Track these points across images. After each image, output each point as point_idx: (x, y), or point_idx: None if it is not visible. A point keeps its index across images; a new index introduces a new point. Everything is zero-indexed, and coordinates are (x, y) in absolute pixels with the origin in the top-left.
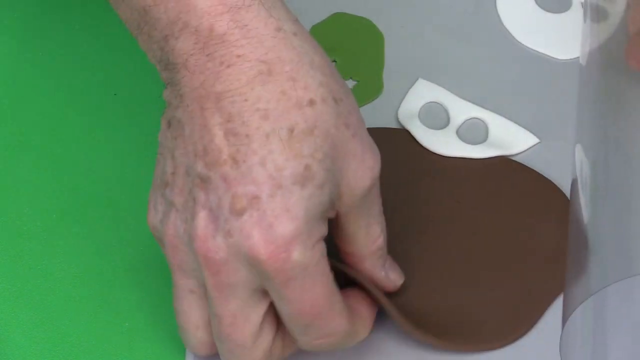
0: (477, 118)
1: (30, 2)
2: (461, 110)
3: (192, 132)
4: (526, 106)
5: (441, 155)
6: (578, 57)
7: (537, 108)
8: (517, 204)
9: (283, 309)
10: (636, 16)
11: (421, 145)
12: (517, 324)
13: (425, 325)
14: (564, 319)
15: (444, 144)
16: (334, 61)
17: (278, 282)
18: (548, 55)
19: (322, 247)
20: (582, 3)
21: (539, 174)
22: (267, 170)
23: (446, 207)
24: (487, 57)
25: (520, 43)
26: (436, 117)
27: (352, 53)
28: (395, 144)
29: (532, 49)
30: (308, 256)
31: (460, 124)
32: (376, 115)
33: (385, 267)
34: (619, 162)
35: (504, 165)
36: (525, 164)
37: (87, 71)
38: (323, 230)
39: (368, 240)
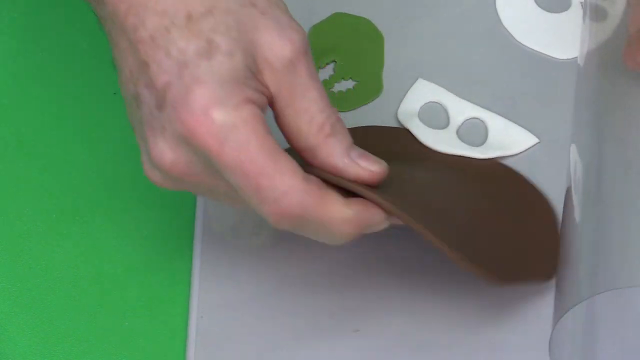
0: (476, 118)
1: (30, 2)
2: (461, 110)
3: (120, 63)
4: (526, 106)
5: (441, 153)
6: (577, 57)
7: (537, 108)
8: (505, 208)
9: (234, 184)
10: (636, 16)
11: (422, 143)
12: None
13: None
14: (554, 324)
15: (444, 144)
16: (334, 61)
17: (214, 152)
18: (548, 55)
19: (250, 110)
20: (581, 3)
21: (525, 178)
22: (173, 56)
23: (446, 206)
24: (486, 57)
25: (520, 43)
26: (436, 117)
27: (352, 53)
28: (395, 143)
29: (531, 49)
30: (232, 115)
31: (460, 124)
32: (376, 115)
33: (352, 156)
34: (613, 163)
35: (494, 169)
36: (525, 164)
37: (87, 71)
38: (248, 93)
39: (312, 127)
